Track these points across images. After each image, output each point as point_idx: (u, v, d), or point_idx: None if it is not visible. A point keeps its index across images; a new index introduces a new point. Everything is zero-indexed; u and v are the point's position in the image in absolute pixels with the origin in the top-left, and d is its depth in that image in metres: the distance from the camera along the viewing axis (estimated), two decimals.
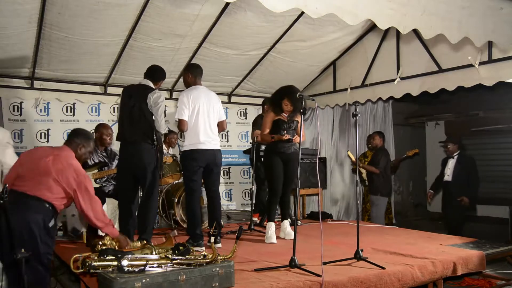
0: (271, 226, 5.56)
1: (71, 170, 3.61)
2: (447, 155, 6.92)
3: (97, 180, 5.62)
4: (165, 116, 5.08)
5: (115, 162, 5.78)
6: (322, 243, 3.94)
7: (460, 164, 6.69)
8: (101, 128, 5.85)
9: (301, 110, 4.25)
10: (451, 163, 6.77)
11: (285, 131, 5.50)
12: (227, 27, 6.21)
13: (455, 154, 6.77)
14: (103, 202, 5.66)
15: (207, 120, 5.18)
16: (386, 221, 7.76)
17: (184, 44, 6.46)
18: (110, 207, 5.89)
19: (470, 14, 4.67)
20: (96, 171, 5.61)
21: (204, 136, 5.14)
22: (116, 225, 5.76)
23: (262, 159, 6.31)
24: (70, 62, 6.37)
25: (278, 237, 5.64)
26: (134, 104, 4.93)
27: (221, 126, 5.37)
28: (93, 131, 5.85)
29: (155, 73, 5.19)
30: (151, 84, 5.08)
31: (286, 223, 5.78)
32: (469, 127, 10.55)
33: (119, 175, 5.29)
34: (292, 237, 5.22)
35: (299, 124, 5.63)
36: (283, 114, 5.59)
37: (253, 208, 6.69)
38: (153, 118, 4.93)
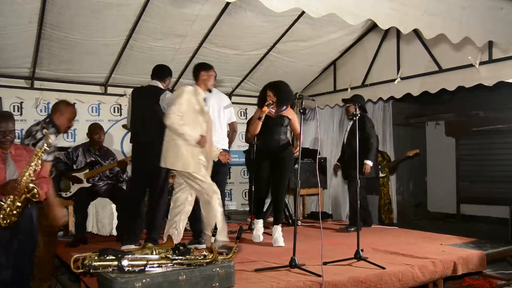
0: (257, 223, 5.55)
1: None
2: (347, 117, 6.72)
3: (89, 180, 5.62)
4: None
5: (109, 161, 5.80)
6: (322, 243, 3.94)
7: (355, 125, 6.24)
8: (92, 127, 5.88)
9: (301, 110, 4.24)
10: (349, 125, 6.56)
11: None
12: (227, 27, 6.21)
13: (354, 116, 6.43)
14: (92, 199, 5.68)
15: (215, 120, 5.36)
16: (386, 221, 7.76)
17: (184, 44, 6.46)
18: (108, 208, 5.89)
19: (470, 14, 4.67)
20: (87, 170, 5.61)
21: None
22: (115, 226, 5.80)
23: None
24: (70, 62, 6.37)
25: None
26: (147, 105, 4.99)
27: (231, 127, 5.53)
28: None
29: (162, 72, 5.23)
30: (159, 85, 5.13)
31: (276, 228, 5.41)
32: (470, 127, 10.56)
33: (132, 176, 5.28)
34: (279, 244, 5.20)
35: (292, 121, 5.51)
36: (270, 110, 5.40)
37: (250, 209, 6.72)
38: None
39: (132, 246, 4.83)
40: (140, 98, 5.09)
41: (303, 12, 5.83)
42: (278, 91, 5.27)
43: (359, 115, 4.60)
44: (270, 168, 5.42)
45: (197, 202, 5.28)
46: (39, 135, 4.22)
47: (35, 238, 3.72)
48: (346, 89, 7.66)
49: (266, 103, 5.19)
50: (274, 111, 5.40)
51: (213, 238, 3.59)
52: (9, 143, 3.55)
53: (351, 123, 6.50)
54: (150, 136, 4.91)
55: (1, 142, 3.51)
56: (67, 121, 4.58)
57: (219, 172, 5.26)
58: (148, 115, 4.96)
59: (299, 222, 6.92)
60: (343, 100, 6.68)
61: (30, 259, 3.70)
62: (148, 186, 5.07)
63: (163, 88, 5.11)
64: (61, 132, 4.64)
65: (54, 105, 4.66)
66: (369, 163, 6.22)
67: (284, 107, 5.44)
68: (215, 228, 3.79)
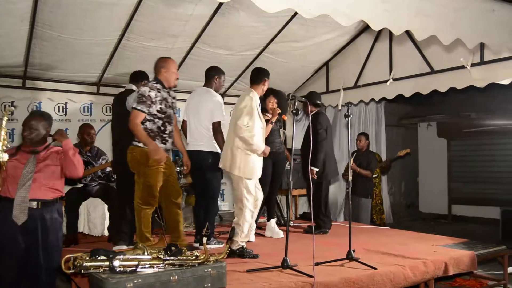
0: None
1: None
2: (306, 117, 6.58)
3: (81, 180, 5.60)
4: None
5: (100, 161, 5.79)
6: (314, 244, 3.94)
7: (311, 123, 6.24)
8: (83, 127, 5.86)
9: (293, 111, 4.25)
10: (304, 125, 6.48)
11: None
12: (220, 27, 6.20)
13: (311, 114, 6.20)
14: (84, 200, 5.69)
15: (192, 121, 5.30)
16: (378, 221, 7.78)
17: (177, 44, 6.44)
18: (100, 208, 5.87)
19: (462, 16, 4.69)
20: None
21: (189, 137, 5.33)
22: (106, 226, 5.79)
23: None
24: (62, 61, 6.34)
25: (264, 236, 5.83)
26: (119, 108, 5.26)
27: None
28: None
29: (138, 76, 5.46)
30: (133, 87, 5.29)
31: (273, 222, 5.95)
32: (461, 128, 10.62)
33: (116, 177, 5.57)
34: (281, 236, 5.29)
35: (284, 124, 5.75)
36: (267, 114, 5.56)
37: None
38: None
39: (124, 247, 4.83)
40: (116, 102, 5.41)
41: (296, 13, 5.84)
42: (281, 100, 5.74)
43: (351, 116, 4.60)
44: (272, 168, 5.81)
45: (199, 205, 5.30)
46: (152, 94, 4.46)
47: (48, 237, 3.70)
48: (338, 90, 7.68)
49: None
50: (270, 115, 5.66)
51: (204, 239, 3.57)
52: (31, 142, 3.70)
53: (307, 122, 6.31)
54: (119, 137, 5.19)
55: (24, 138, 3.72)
56: (169, 73, 4.63)
57: (196, 174, 5.28)
58: (119, 117, 5.21)
59: (292, 222, 6.93)
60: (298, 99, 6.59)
61: (47, 257, 3.70)
62: (129, 186, 5.12)
63: (135, 90, 5.21)
64: (170, 86, 4.67)
65: (155, 65, 4.74)
66: (314, 169, 5.89)
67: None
68: (207, 228, 3.79)
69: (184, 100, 7.95)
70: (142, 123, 4.47)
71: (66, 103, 7.04)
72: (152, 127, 4.50)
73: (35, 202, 3.62)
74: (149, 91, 4.45)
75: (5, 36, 5.54)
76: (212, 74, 5.43)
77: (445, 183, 11.31)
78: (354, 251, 4.34)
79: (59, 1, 5.14)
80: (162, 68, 4.63)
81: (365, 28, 6.97)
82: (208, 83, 5.43)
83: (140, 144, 4.46)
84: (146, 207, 4.50)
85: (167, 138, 4.59)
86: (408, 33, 5.46)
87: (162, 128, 4.54)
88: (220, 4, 5.60)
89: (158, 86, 4.55)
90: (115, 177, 5.64)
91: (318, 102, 6.31)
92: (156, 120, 4.50)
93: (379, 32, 6.78)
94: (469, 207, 10.78)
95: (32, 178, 3.61)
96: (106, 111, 7.37)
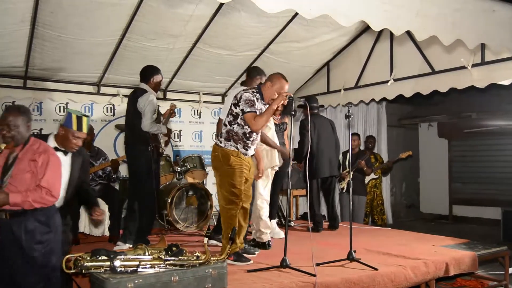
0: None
1: None
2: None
3: None
4: (155, 115, 5.12)
5: (100, 161, 5.79)
6: (314, 244, 3.94)
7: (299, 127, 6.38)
8: None
9: (292, 112, 4.23)
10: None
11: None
12: (221, 27, 6.20)
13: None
14: None
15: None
16: (379, 222, 7.79)
17: (177, 44, 6.44)
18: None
19: (462, 16, 4.69)
20: None
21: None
22: (107, 226, 5.79)
23: None
24: (63, 61, 6.34)
25: None
26: (129, 108, 5.22)
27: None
28: None
29: (146, 73, 5.31)
30: (144, 86, 5.21)
31: (274, 222, 5.91)
32: (462, 129, 10.63)
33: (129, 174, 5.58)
34: (281, 236, 5.28)
35: (288, 126, 5.69)
36: (273, 116, 5.57)
37: None
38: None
39: (125, 247, 4.83)
40: (128, 101, 5.33)
41: (296, 13, 5.84)
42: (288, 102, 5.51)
43: (351, 116, 4.60)
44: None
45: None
46: (254, 99, 4.31)
47: (21, 249, 3.26)
48: (339, 90, 7.67)
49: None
50: (277, 117, 5.71)
51: (205, 239, 3.57)
52: (6, 139, 3.26)
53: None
54: (129, 138, 5.23)
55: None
56: (271, 90, 4.40)
57: None
58: (129, 118, 5.20)
59: (292, 223, 6.93)
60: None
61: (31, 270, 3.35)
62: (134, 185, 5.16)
63: (146, 90, 5.16)
64: (265, 102, 4.44)
65: (268, 76, 4.57)
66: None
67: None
68: (208, 229, 3.79)
69: (184, 100, 8.04)
70: (230, 123, 4.36)
71: (67, 103, 7.05)
72: (237, 130, 4.34)
73: (4, 213, 3.20)
74: (252, 96, 4.34)
75: (6, 36, 5.54)
76: (254, 75, 5.28)
77: (446, 184, 11.32)
78: (355, 251, 4.34)
79: (60, 2, 5.14)
80: (268, 82, 4.45)
81: (366, 28, 6.96)
82: (248, 82, 5.30)
83: (222, 144, 4.35)
84: (230, 206, 4.35)
85: (250, 145, 4.44)
86: (408, 33, 5.46)
87: (248, 135, 4.39)
88: (221, 4, 5.60)
89: (258, 96, 4.39)
90: (118, 174, 5.66)
91: (314, 105, 6.46)
92: (246, 127, 4.35)
93: (380, 32, 6.77)
94: (470, 208, 10.79)
95: (6, 185, 3.20)
96: (107, 111, 7.38)
